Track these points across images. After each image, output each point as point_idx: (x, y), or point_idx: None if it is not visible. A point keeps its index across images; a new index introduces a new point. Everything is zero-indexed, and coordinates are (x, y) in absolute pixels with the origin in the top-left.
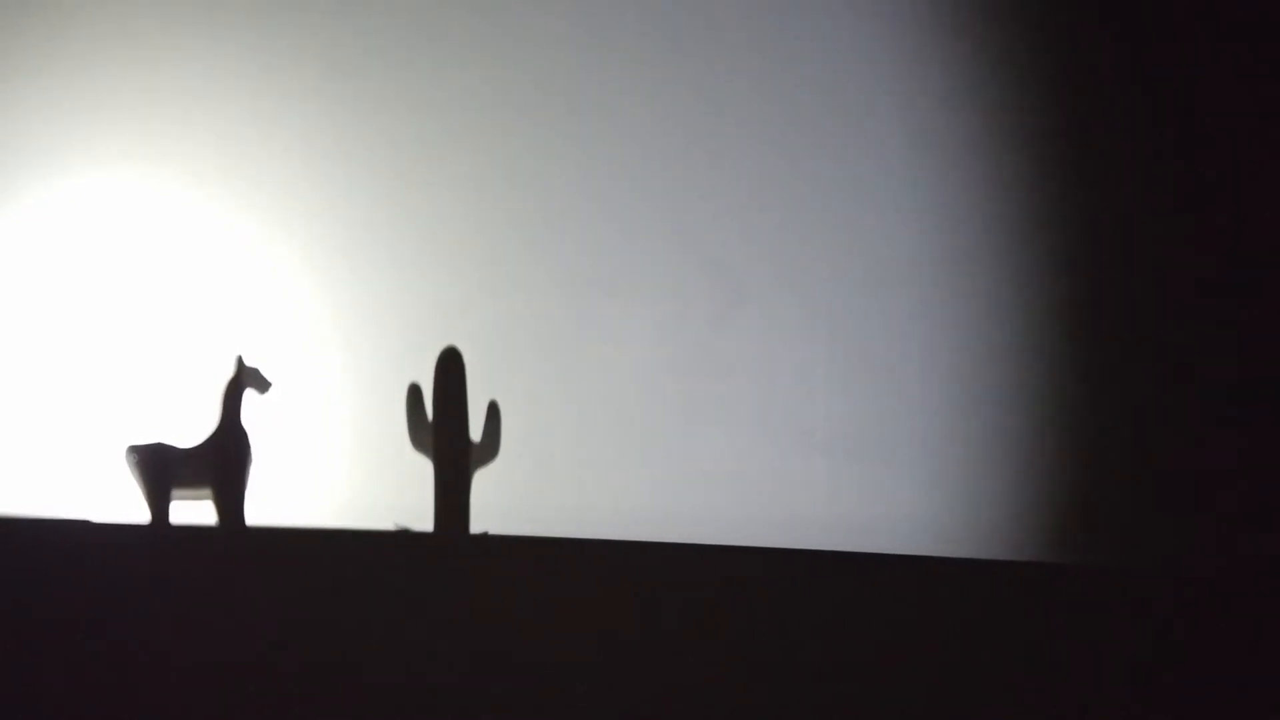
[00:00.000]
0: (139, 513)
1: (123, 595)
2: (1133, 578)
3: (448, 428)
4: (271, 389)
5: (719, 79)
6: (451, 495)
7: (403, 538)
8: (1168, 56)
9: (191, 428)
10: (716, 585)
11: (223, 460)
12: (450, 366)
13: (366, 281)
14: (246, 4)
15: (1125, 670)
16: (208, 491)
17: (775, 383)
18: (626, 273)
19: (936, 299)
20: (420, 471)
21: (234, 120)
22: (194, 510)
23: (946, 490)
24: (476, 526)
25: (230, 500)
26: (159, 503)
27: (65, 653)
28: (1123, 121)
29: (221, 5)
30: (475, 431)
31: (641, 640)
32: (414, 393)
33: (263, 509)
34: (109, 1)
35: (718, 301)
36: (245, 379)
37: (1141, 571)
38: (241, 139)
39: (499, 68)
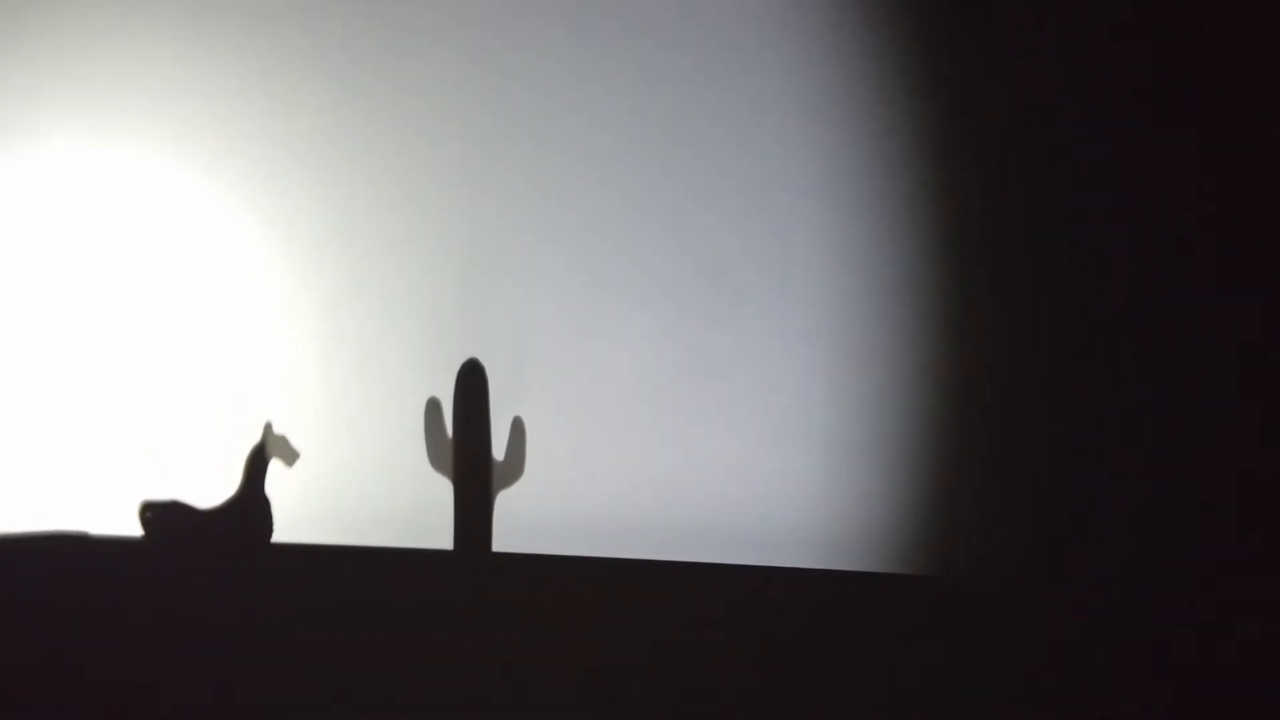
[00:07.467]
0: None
1: (122, 613)
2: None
3: (469, 444)
4: (298, 461)
5: (720, 80)
6: (472, 515)
7: (421, 558)
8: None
9: (204, 444)
10: (728, 605)
11: (240, 531)
12: (472, 380)
13: (376, 293)
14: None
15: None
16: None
17: (779, 384)
18: (631, 275)
19: (936, 300)
20: (440, 489)
21: (245, 132)
22: None
23: (944, 492)
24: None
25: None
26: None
27: (58, 675)
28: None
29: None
30: (498, 448)
31: (659, 660)
32: (433, 408)
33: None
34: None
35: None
36: (271, 448)
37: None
38: (249, 148)
39: (507, 76)
